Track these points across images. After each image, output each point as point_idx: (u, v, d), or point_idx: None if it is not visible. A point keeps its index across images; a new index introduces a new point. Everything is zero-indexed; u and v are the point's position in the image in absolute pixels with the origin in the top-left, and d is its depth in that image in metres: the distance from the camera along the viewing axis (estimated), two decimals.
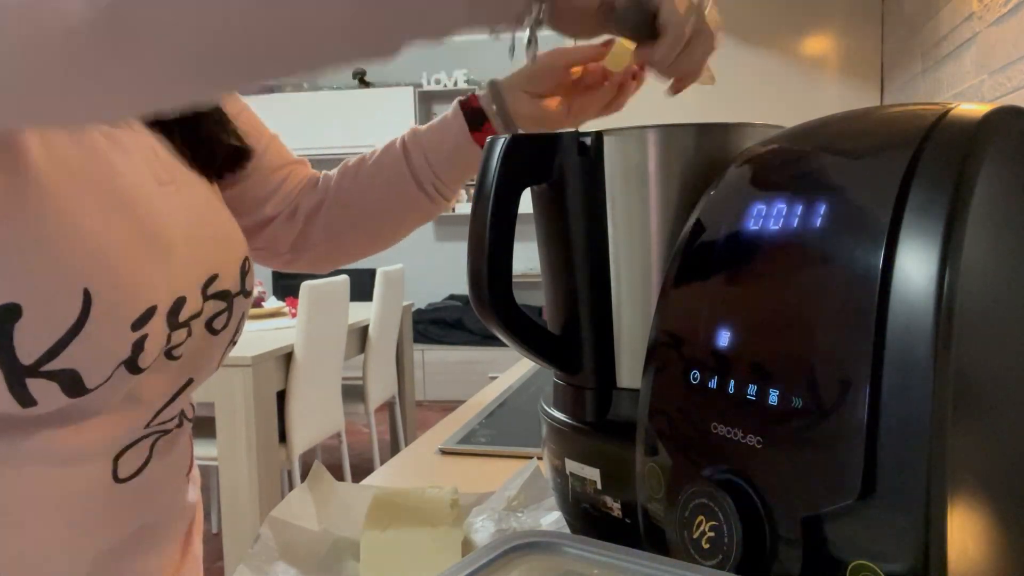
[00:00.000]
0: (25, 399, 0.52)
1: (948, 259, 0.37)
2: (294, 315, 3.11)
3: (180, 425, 0.67)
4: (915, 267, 0.38)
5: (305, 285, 2.75)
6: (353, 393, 3.40)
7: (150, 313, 0.56)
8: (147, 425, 0.62)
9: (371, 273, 3.61)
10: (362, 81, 5.71)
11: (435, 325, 5.54)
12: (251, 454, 2.50)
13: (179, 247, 0.60)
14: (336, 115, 5.62)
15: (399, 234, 0.87)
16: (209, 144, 0.69)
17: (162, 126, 0.65)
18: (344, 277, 3.04)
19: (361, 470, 3.77)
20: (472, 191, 0.61)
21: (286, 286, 5.68)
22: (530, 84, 0.79)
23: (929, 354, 0.37)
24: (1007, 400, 0.39)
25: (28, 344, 0.51)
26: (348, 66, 0.45)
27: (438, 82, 5.59)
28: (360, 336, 3.46)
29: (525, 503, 0.70)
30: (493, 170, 0.59)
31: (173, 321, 0.59)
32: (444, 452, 1.01)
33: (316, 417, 2.90)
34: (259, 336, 2.87)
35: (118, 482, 0.60)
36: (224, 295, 0.65)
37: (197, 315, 0.62)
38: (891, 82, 1.72)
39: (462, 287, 5.86)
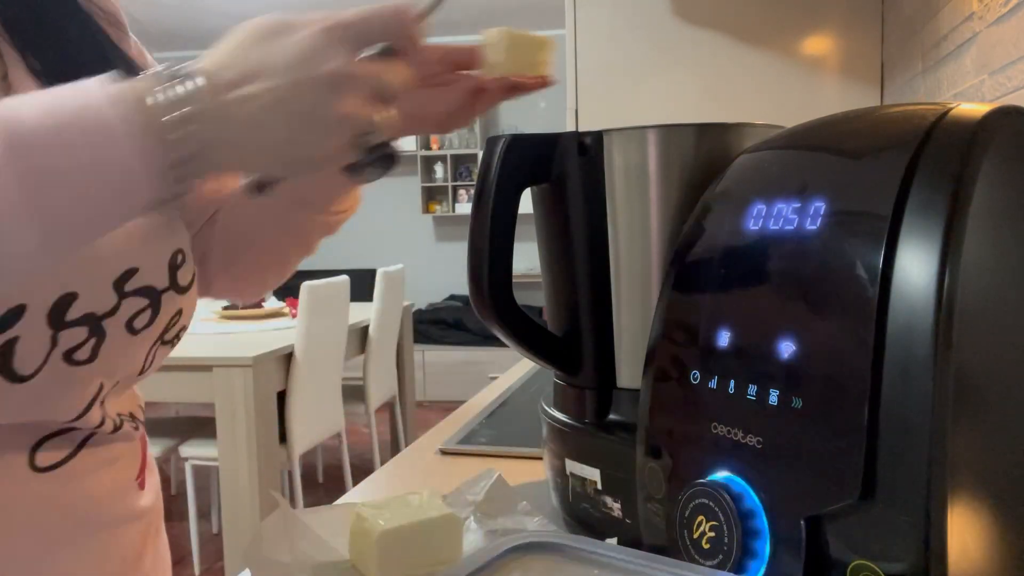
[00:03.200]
0: None
1: (948, 259, 0.37)
2: (294, 315, 3.11)
3: (117, 430, 0.62)
4: (915, 267, 0.38)
5: (305, 285, 2.75)
6: (353, 393, 3.40)
7: (15, 315, 0.51)
8: (61, 427, 0.57)
9: (371, 273, 3.61)
10: None
11: (435, 325, 5.54)
12: (251, 454, 2.50)
13: None
14: None
15: (291, 264, 0.81)
16: None
17: None
18: (344, 277, 3.04)
19: (361, 470, 3.77)
20: (472, 191, 0.61)
21: (286, 286, 5.66)
22: None
23: (929, 354, 0.37)
24: (1007, 400, 0.39)
25: None
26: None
27: None
28: (360, 336, 3.46)
29: (495, 512, 0.68)
30: (493, 170, 0.59)
31: (58, 320, 0.53)
32: (444, 452, 1.01)
33: (316, 417, 2.90)
34: (259, 336, 2.87)
35: (37, 471, 0.56)
36: (147, 291, 0.59)
37: (110, 313, 0.57)
38: (891, 82, 1.72)
39: (462, 287, 5.85)
